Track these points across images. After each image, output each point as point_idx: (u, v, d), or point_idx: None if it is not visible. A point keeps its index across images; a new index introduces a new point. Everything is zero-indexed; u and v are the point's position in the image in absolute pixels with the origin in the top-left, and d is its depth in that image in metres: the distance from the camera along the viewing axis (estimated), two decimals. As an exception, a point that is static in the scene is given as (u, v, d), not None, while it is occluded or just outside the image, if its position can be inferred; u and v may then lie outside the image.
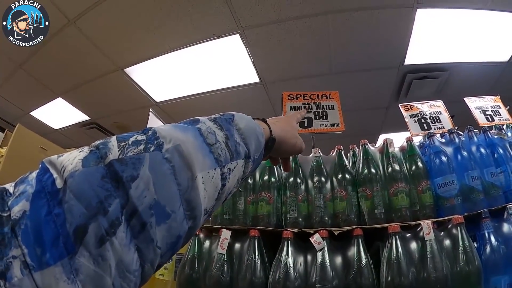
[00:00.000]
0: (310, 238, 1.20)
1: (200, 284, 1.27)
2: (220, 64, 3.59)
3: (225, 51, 3.38)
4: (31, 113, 4.51)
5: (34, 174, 0.32)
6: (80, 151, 0.34)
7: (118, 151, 0.34)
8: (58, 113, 4.54)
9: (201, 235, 1.41)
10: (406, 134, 1.85)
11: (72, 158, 0.32)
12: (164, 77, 3.81)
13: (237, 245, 1.32)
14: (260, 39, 3.22)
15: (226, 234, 1.32)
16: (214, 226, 1.43)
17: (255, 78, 3.80)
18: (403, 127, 2.11)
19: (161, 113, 3.69)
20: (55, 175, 0.31)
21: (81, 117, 4.62)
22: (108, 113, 4.52)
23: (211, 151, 0.42)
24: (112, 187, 0.31)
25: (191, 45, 3.29)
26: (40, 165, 0.33)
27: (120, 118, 4.62)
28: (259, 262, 1.22)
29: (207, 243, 1.39)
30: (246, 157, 0.48)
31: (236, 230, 1.36)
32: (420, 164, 1.45)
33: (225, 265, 1.25)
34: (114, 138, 0.37)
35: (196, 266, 1.31)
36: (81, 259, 0.28)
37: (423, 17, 2.99)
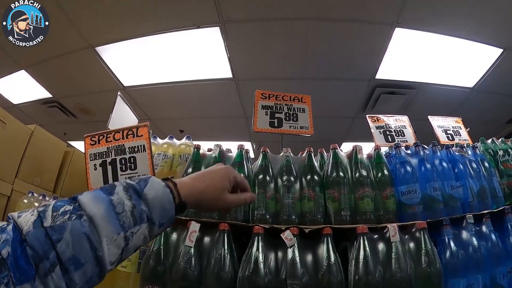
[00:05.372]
0: (281, 235, 1.20)
1: (166, 278, 1.22)
2: (195, 55, 3.53)
3: (202, 42, 3.33)
4: (-10, 84, 4.17)
5: (10, 227, 0.51)
6: (32, 214, 0.53)
7: (51, 220, 0.52)
8: (19, 87, 4.24)
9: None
10: (369, 145, 1.92)
11: (27, 221, 0.52)
12: (135, 61, 3.67)
13: (206, 239, 1.29)
14: (239, 35, 3.20)
15: (195, 226, 1.28)
16: (182, 217, 1.39)
17: (228, 74, 3.78)
18: (366, 138, 2.18)
19: (128, 98, 3.54)
20: (19, 229, 0.50)
21: (43, 93, 4.34)
22: (72, 92, 4.28)
23: (118, 218, 0.57)
24: (51, 243, 0.50)
25: (169, 32, 3.19)
26: (8, 219, 0.53)
27: (84, 99, 4.40)
28: (228, 256, 1.20)
29: (174, 235, 1.34)
30: (150, 222, 0.61)
31: (205, 223, 1.33)
32: (386, 172, 1.51)
33: (193, 259, 1.21)
34: (51, 207, 0.54)
35: (162, 259, 1.26)
36: (36, 283, 0.48)
37: (400, 36, 3.14)
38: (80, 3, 2.95)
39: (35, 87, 4.21)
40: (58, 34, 3.27)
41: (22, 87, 4.24)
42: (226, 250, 1.21)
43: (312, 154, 1.57)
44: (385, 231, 1.27)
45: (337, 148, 1.56)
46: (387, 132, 2.22)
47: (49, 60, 3.69)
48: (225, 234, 1.25)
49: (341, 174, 1.47)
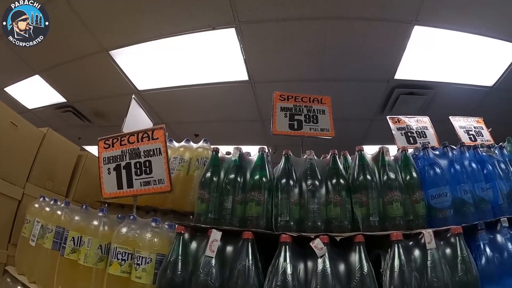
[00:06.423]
0: (311, 243, 1.13)
1: (184, 290, 1.16)
2: (210, 57, 3.49)
3: (217, 44, 3.29)
4: (5, 89, 4.25)
5: None
6: None
7: None
8: (34, 92, 4.29)
9: (186, 235, 1.29)
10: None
11: None
12: (149, 64, 3.66)
13: (228, 248, 1.23)
14: (255, 36, 3.15)
15: (216, 235, 1.21)
16: (202, 225, 1.33)
17: (244, 76, 3.73)
18: (385, 140, 2.10)
19: (142, 102, 3.53)
20: None
21: (58, 98, 4.39)
22: (87, 97, 4.31)
23: None
24: None
25: (184, 34, 3.16)
26: None
27: (98, 103, 4.43)
28: (253, 267, 1.13)
29: (193, 245, 1.28)
30: None
31: (226, 231, 1.26)
32: (414, 174, 1.44)
33: (214, 270, 1.15)
34: None
35: (180, 270, 1.20)
36: None
37: (419, 34, 3.05)
38: (93, 7, 2.95)
39: (49, 92, 4.25)
40: (72, 38, 3.30)
41: (37, 92, 4.29)
42: (250, 260, 1.14)
43: (337, 157, 1.50)
44: (420, 237, 1.19)
45: (363, 150, 1.50)
46: (409, 134, 2.17)
47: (63, 64, 3.71)
48: (249, 243, 1.18)
49: (369, 177, 1.40)
